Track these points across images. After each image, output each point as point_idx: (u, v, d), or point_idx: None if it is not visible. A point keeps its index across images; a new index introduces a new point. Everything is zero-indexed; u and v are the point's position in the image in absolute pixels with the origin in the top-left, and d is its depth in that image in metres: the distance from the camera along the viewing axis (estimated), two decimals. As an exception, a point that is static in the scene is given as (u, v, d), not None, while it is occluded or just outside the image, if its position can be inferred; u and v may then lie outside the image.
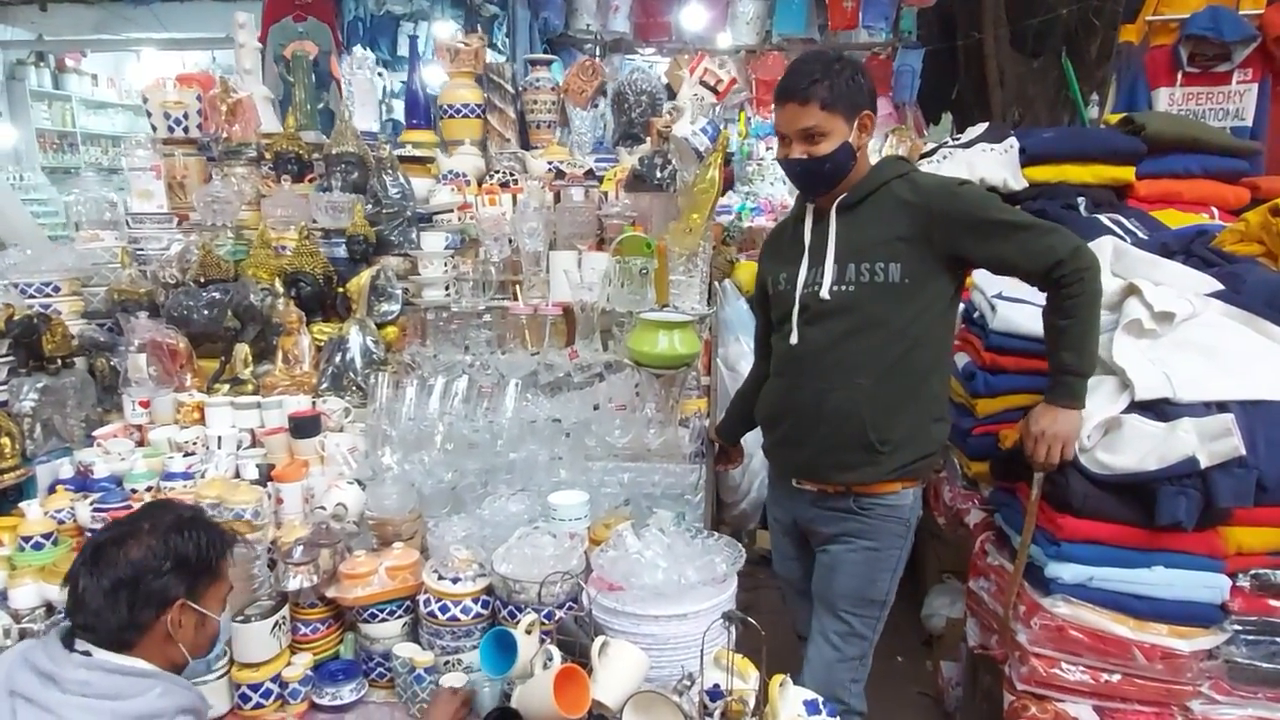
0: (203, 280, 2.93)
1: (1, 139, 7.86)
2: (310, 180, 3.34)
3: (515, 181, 3.24)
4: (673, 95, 3.50)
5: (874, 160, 2.21)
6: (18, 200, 7.56)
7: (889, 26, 6.72)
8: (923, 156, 3.38)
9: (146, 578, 1.46)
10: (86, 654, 1.43)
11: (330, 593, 2.13)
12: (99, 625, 1.44)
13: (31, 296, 2.76)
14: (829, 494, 2.26)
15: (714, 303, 3.03)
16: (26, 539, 2.19)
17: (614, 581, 2.02)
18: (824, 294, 2.14)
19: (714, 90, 3.21)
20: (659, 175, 2.98)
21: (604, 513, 2.41)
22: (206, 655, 1.61)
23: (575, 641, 1.87)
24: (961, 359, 2.61)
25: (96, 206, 3.06)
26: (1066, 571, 2.11)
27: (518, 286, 2.97)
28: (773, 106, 2.20)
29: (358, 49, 3.73)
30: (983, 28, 8.00)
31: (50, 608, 2.12)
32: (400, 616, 2.15)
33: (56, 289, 2.81)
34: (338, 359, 2.81)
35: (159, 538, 1.49)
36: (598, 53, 6.94)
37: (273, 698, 2.03)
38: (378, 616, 2.13)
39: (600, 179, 3.13)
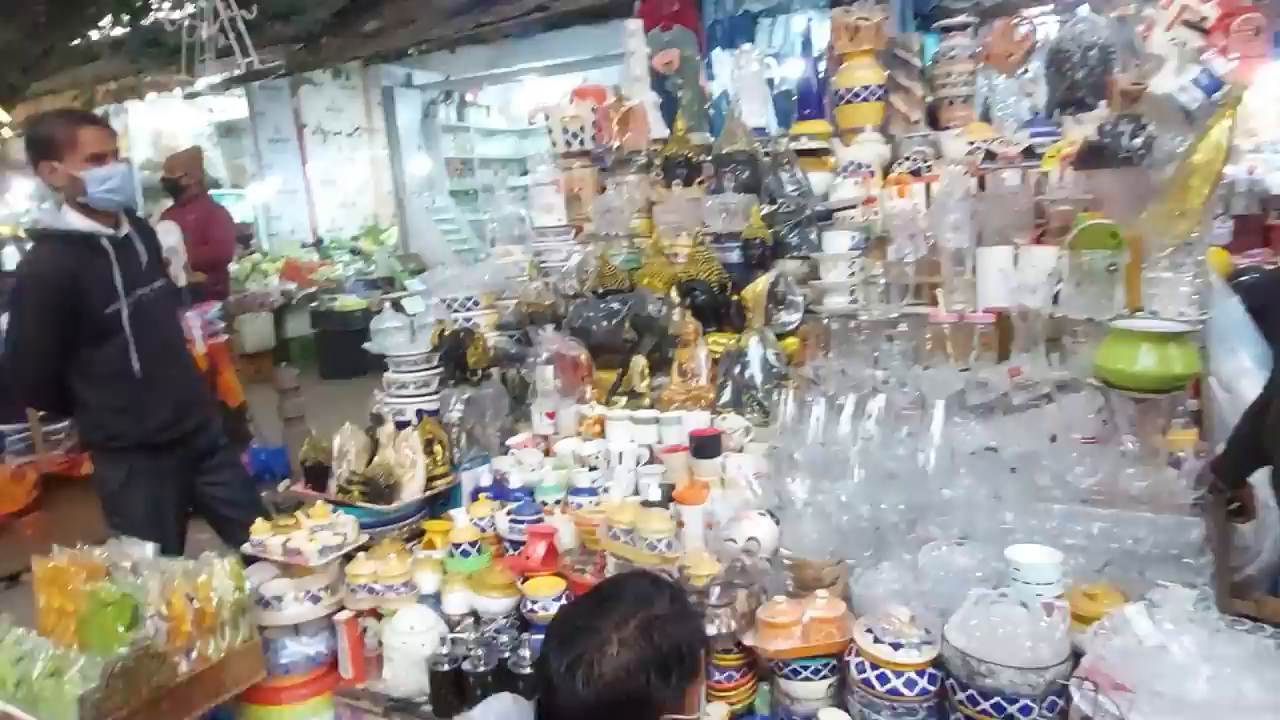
0: (601, 290, 2.90)
1: (420, 168, 9.18)
2: (700, 183, 3.20)
3: (928, 168, 2.81)
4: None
5: None
6: (432, 221, 8.75)
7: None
8: None
9: (625, 694, 1.26)
10: None
11: (748, 640, 1.88)
12: None
13: (456, 311, 2.92)
14: None
15: (1205, 307, 2.33)
16: (456, 545, 2.25)
17: (1121, 681, 1.52)
18: None
19: (1199, 29, 2.50)
20: (1127, 145, 2.36)
21: (1076, 575, 1.89)
22: None
23: (1082, 763, 1.41)
24: None
25: (508, 224, 3.19)
26: None
27: (937, 290, 2.54)
28: None
29: (751, 48, 3.55)
30: None
31: (477, 617, 2.13)
32: (826, 676, 1.85)
33: (475, 303, 2.95)
34: (736, 372, 2.60)
35: (639, 635, 1.29)
36: (976, 21, 6.19)
37: (688, 752, 1.82)
38: (800, 674, 1.85)
39: (1040, 156, 2.58)
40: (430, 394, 2.68)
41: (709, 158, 3.20)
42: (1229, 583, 2.14)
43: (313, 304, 8.25)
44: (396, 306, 3.10)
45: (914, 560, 1.98)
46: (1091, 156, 2.43)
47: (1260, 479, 2.05)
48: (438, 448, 2.47)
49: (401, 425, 2.53)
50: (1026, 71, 2.99)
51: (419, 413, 2.63)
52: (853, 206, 2.85)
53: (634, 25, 3.54)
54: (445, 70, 9.21)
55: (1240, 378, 2.49)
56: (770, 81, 4.41)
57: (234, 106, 9.16)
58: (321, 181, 9.40)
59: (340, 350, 7.94)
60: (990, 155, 2.55)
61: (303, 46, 7.24)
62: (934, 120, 3.12)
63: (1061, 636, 1.64)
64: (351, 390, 7.44)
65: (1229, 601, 2.01)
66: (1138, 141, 2.33)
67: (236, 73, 6.46)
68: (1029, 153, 2.52)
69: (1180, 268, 2.22)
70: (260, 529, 2.24)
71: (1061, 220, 2.44)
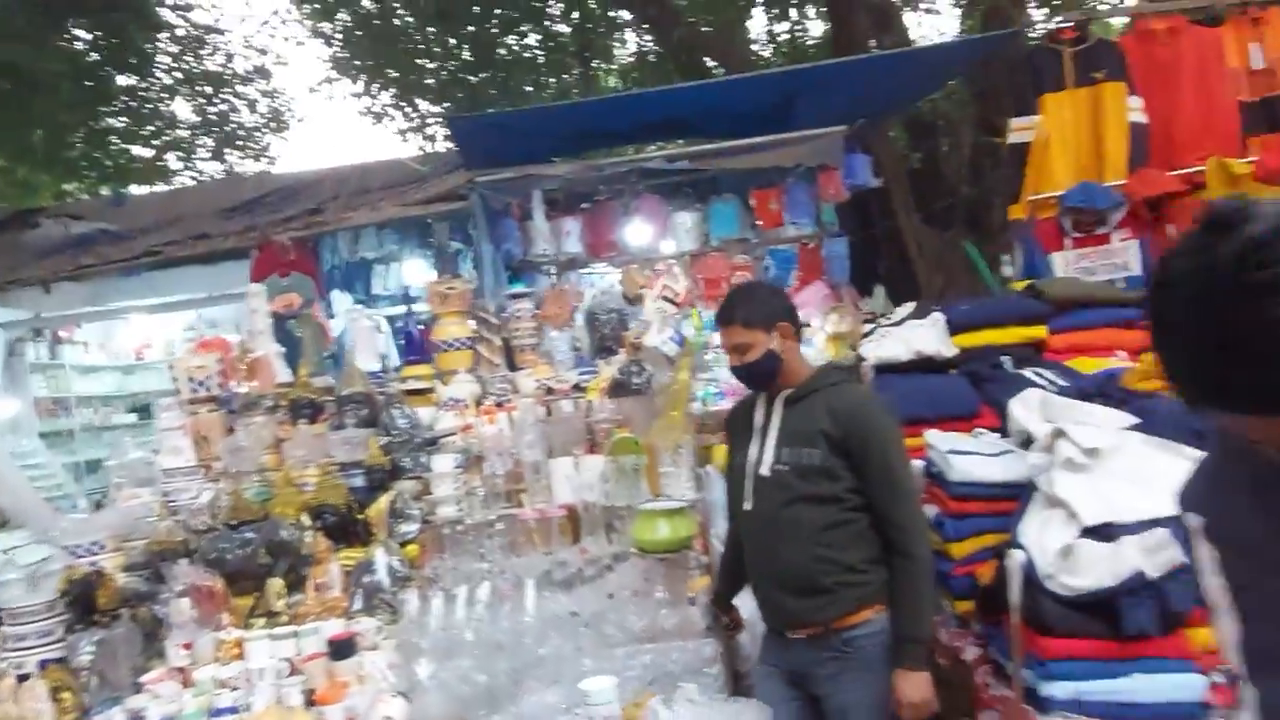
0: (234, 523, 3.19)
1: (3, 411, 8.19)
2: (323, 420, 3.68)
3: (509, 400, 3.63)
4: (630, 301, 3.99)
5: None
6: (17, 468, 7.78)
7: (813, 220, 7.46)
8: (864, 336, 3.84)
9: None
10: None
11: (387, 804, 2.26)
12: None
13: (81, 556, 2.98)
14: (817, 636, 2.47)
15: (701, 488, 3.34)
16: (90, 793, 2.31)
17: (653, 754, 2.20)
18: (764, 470, 2.52)
19: (673, 302, 3.70)
20: (636, 381, 3.38)
21: (632, 693, 2.58)
22: None
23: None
24: (930, 510, 2.92)
25: (134, 469, 3.35)
26: (1058, 689, 2.31)
27: (523, 495, 3.27)
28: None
29: (362, 308, 4.22)
30: (895, 211, 9.03)
31: None
32: (453, 821, 2.27)
33: (102, 547, 3.04)
34: (366, 580, 3.03)
35: None
36: (555, 272, 7.55)
37: None
38: (432, 823, 2.25)
39: (585, 389, 3.52)
40: (54, 642, 2.70)
41: (331, 398, 3.72)
42: (733, 677, 2.98)
43: None
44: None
45: (519, 709, 2.55)
46: (618, 388, 3.42)
47: (744, 602, 2.96)
48: (66, 694, 2.52)
49: (23, 679, 2.54)
50: (573, 325, 4.04)
51: (42, 662, 2.64)
52: (454, 433, 3.55)
53: (256, 288, 4.05)
54: (34, 307, 8.56)
55: (732, 535, 3.52)
56: (390, 318, 5.14)
57: None
58: None
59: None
60: (550, 390, 3.44)
61: None
62: (511, 362, 4.01)
63: (616, 737, 2.31)
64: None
65: (734, 689, 2.84)
66: (644, 378, 3.36)
67: None
68: (578, 387, 3.46)
69: (679, 463, 3.21)
70: None
71: (603, 435, 3.35)
